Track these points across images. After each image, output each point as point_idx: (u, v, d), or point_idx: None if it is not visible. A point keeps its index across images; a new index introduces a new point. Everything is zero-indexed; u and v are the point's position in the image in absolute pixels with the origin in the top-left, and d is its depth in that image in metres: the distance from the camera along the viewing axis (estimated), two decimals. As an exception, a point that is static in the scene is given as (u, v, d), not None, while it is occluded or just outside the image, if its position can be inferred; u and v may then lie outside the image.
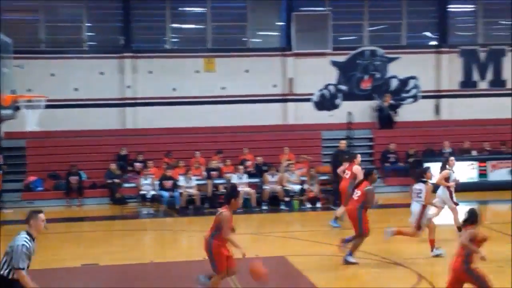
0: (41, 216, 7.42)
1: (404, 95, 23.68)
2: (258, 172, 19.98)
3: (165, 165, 19.71)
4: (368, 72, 23.65)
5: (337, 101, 23.53)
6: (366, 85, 23.65)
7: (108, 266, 11.95)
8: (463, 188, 20.35)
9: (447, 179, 13.94)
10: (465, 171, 21.00)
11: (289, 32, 23.05)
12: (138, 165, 20.44)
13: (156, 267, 11.76)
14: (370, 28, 24.01)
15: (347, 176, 15.09)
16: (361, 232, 11.54)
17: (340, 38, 23.67)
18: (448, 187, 13.87)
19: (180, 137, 22.09)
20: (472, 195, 19.76)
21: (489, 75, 23.77)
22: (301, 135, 22.49)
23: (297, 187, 19.11)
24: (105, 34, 23.31)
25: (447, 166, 14.08)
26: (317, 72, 23.15)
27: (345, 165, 15.57)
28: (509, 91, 23.55)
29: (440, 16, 23.78)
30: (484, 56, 23.71)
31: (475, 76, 23.77)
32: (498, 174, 21.06)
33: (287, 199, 18.92)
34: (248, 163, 20.28)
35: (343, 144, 19.02)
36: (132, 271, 11.62)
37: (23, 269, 7.15)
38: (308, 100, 23.40)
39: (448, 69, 23.60)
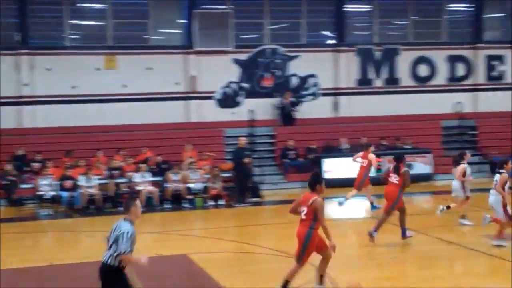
0: (139, 202, 7.77)
1: (304, 92, 24.21)
2: (159, 170, 19.90)
3: (65, 164, 19.29)
4: (269, 70, 24.02)
5: (239, 98, 23.77)
6: (268, 83, 24.02)
7: (5, 270, 11.61)
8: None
9: (464, 173, 14.48)
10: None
11: (191, 29, 23.06)
12: (36, 165, 19.88)
13: (56, 269, 11.55)
14: (271, 27, 24.39)
15: (364, 164, 16.75)
16: (392, 209, 12.78)
17: (242, 36, 23.91)
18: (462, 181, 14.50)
19: (80, 135, 21.66)
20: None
21: (384, 74, 24.64)
22: (203, 133, 22.56)
23: (200, 185, 19.19)
24: (-1, 30, 22.53)
25: (462, 161, 14.58)
26: (219, 70, 23.29)
27: (360, 154, 17.22)
28: (404, 89, 24.53)
29: (337, 15, 24.45)
30: (379, 55, 24.56)
31: (371, 74, 24.58)
32: (393, 168, 21.86)
33: (190, 197, 18.96)
34: (149, 161, 20.16)
35: (242, 141, 19.29)
36: (31, 274, 11.36)
37: (131, 252, 7.46)
38: (210, 98, 23.51)
39: (346, 67, 24.30)
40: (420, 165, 21.93)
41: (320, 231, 9.14)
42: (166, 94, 22.97)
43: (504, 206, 12.25)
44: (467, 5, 25.51)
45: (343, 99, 24.33)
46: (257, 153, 22.04)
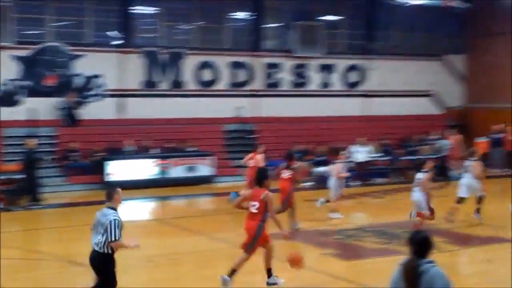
0: (120, 190, 8.12)
1: (89, 93, 23.81)
2: None
3: None
4: (52, 69, 23.26)
5: (20, 97, 22.73)
6: (50, 81, 23.25)
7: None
8: (145, 184, 21.42)
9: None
10: (147, 168, 22.01)
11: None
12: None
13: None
14: (54, 24, 23.64)
15: (254, 165, 17.21)
16: (287, 202, 14.21)
17: (23, 32, 22.90)
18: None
19: None
20: (154, 191, 20.82)
21: (170, 77, 25.02)
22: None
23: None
24: None
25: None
26: (-3, 67, 22.10)
27: (249, 155, 17.92)
28: (188, 92, 25.12)
29: (124, 16, 24.39)
30: (165, 58, 24.91)
31: (157, 76, 24.85)
32: (178, 170, 22.41)
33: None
34: None
35: (30, 143, 18.64)
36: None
37: (119, 239, 7.83)
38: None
39: (132, 68, 24.33)
40: (202, 168, 22.68)
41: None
42: None
43: (428, 202, 13.84)
44: (249, 14, 26.81)
45: (128, 100, 24.31)
46: (37, 154, 21.24)
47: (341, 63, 27.75)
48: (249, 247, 9.77)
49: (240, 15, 27.06)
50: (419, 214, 14.02)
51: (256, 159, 17.86)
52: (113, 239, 7.83)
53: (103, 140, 22.58)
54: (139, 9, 25.04)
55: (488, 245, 13.19)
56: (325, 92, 27.40)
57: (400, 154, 24.69)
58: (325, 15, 27.63)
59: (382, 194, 20.87)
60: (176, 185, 21.41)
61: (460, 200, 15.62)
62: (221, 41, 26.31)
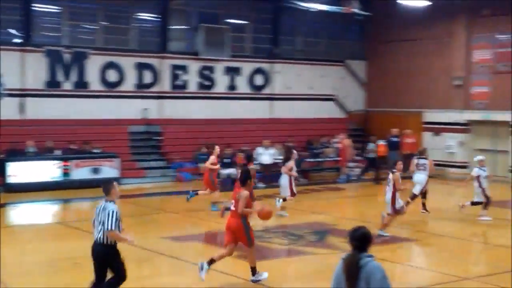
0: (116, 183, 8.68)
1: (-12, 92, 22.92)
2: None
3: None
4: None
5: None
6: None
7: None
8: (48, 187, 20.88)
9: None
10: (50, 170, 21.45)
11: None
12: None
13: None
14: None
15: (216, 167, 17.81)
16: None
17: None
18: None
19: None
20: (57, 194, 20.32)
21: (73, 77, 24.45)
22: None
23: None
24: None
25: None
26: None
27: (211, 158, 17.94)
28: (93, 93, 24.66)
29: (25, 14, 23.66)
30: (69, 58, 24.33)
31: (60, 76, 24.21)
32: (80, 172, 21.96)
33: None
34: None
35: None
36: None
37: (118, 229, 8.22)
38: None
39: (33, 68, 23.62)
40: (108, 169, 22.33)
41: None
42: None
43: (393, 203, 14.14)
44: (155, 15, 26.64)
45: (30, 101, 23.58)
46: None
47: (247, 66, 28.07)
48: (250, 241, 10.35)
49: (146, 16, 26.84)
50: (389, 214, 14.43)
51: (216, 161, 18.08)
52: (109, 227, 8.14)
53: (4, 141, 21.80)
54: (41, 7, 24.36)
55: (390, 245, 13.67)
56: (231, 94, 27.63)
57: (305, 156, 25.24)
58: (231, 18, 27.87)
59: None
60: (80, 187, 20.98)
61: (414, 197, 16.97)
62: (126, 41, 26.00)
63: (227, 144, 23.57)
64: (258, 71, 28.44)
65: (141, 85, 25.81)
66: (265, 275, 10.43)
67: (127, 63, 25.39)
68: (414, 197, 17.02)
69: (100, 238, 8.28)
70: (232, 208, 10.40)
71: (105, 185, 8.58)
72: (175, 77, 26.47)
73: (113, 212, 8.20)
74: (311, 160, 25.63)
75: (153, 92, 26.00)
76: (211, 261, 10.30)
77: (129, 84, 25.52)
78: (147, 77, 25.96)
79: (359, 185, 24.44)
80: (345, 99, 30.45)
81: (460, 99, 27.03)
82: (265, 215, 10.63)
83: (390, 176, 14.38)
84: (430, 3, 26.03)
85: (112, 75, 25.19)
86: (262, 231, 14.91)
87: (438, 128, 27.27)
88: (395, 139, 26.22)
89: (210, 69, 27.17)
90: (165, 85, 26.19)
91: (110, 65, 25.09)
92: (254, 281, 10.37)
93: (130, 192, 20.54)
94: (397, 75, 29.26)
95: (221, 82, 27.48)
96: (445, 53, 27.48)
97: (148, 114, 25.31)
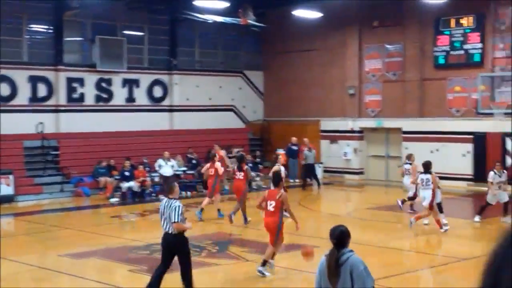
0: (177, 184, 10.52)
1: None
2: None
3: None
4: None
5: None
6: None
7: None
8: None
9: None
10: None
11: None
12: None
13: None
14: None
15: (212, 173, 17.91)
16: (244, 198, 17.12)
17: None
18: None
19: None
20: None
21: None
22: None
23: None
24: None
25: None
26: None
27: (207, 165, 18.39)
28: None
29: None
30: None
31: None
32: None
33: None
34: None
35: None
36: None
37: (180, 221, 9.76)
38: None
39: None
40: (2, 187, 21.56)
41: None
42: None
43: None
44: (47, 27, 26.00)
45: None
46: None
47: (146, 78, 27.89)
48: (276, 241, 11.46)
49: (39, 28, 26.16)
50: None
51: (216, 167, 17.99)
52: (174, 220, 9.64)
53: None
54: None
55: (290, 252, 13.96)
56: (130, 106, 27.36)
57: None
58: (128, 29, 27.62)
59: (188, 208, 21.24)
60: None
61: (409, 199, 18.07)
62: (19, 54, 25.22)
63: (127, 157, 23.33)
64: (157, 82, 28.32)
65: (35, 99, 25.10)
66: (267, 274, 11.46)
67: (20, 76, 24.64)
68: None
69: (169, 230, 9.80)
70: (271, 209, 11.53)
71: (169, 185, 10.55)
72: (71, 90, 25.91)
73: (178, 207, 9.74)
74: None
75: (49, 106, 25.35)
76: (264, 263, 11.45)
77: (23, 97, 24.76)
78: (42, 90, 25.28)
79: (261, 194, 24.71)
80: (244, 109, 30.83)
81: (354, 107, 27.98)
82: (308, 255, 9.74)
83: (430, 176, 15.75)
84: (322, 14, 26.82)
85: (4, 89, 24.36)
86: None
87: (335, 136, 28.10)
88: (294, 148, 26.81)
89: (108, 81, 26.80)
90: (61, 98, 25.57)
91: (2, 79, 24.26)
92: (259, 271, 11.40)
93: (27, 209, 19.96)
94: (294, 85, 29.92)
95: (119, 95, 27.16)
96: (339, 63, 28.39)
97: (43, 129, 24.62)
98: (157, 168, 23.44)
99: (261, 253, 13.77)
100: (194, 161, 25.53)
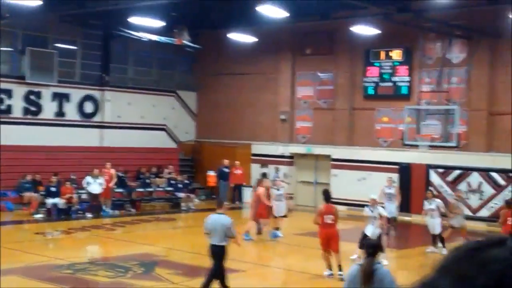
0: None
1: None
2: None
3: None
4: None
5: None
6: None
7: None
8: None
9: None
10: None
11: None
12: None
13: None
14: None
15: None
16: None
17: None
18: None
19: None
20: None
21: None
22: None
23: None
24: None
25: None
26: None
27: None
28: None
29: None
30: None
31: None
32: None
33: None
34: None
35: None
36: None
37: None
38: None
39: None
40: None
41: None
42: None
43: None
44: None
45: None
46: None
47: (76, 93, 27.47)
48: (338, 248, 13.59)
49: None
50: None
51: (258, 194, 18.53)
52: (232, 235, 11.20)
53: None
54: None
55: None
56: (59, 121, 26.86)
57: (135, 186, 25.09)
58: (60, 43, 27.17)
59: (115, 227, 20.99)
60: None
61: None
62: None
63: (54, 172, 22.85)
64: (88, 98, 27.93)
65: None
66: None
67: None
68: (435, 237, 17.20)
69: (216, 242, 11.03)
70: (329, 221, 13.61)
71: (219, 200, 12.34)
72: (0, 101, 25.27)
73: (231, 222, 11.13)
74: (141, 190, 25.51)
75: (-26, 117, 24.60)
76: (340, 267, 13.31)
77: None
78: (-32, 100, 24.54)
79: (190, 215, 24.68)
80: (176, 129, 30.73)
81: (285, 132, 28.31)
82: None
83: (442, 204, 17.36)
84: (257, 39, 27.14)
85: None
86: (87, 263, 14.62)
87: (265, 160, 28.32)
88: (225, 170, 26.89)
89: (37, 94, 26.26)
90: None
91: None
92: (340, 275, 13.00)
93: None
94: (226, 107, 30.05)
95: (49, 108, 26.63)
96: (272, 88, 28.71)
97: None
98: (85, 185, 23.05)
99: (187, 276, 13.74)
100: (123, 180, 25.17)
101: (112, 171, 24.17)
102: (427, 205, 17.47)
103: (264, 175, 21.05)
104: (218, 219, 11.21)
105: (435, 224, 17.06)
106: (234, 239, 11.43)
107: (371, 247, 6.86)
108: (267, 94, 28.78)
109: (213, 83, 30.50)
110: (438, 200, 17.90)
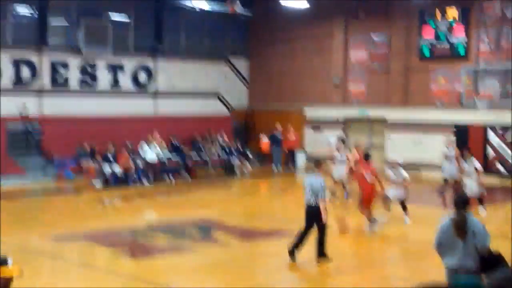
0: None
1: None
2: None
3: None
4: None
5: None
6: None
7: None
8: None
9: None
10: None
11: None
12: None
13: None
14: None
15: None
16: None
17: None
18: None
19: None
20: None
21: None
22: None
23: None
24: None
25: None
26: None
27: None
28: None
29: None
30: None
31: None
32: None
33: None
34: None
35: None
36: None
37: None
38: None
39: None
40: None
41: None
42: None
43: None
44: (33, 9, 25.69)
45: None
46: None
47: (130, 63, 27.76)
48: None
49: (24, 10, 25.87)
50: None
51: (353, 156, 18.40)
52: (324, 197, 11.40)
53: None
54: None
55: (269, 239, 14.05)
56: (114, 91, 27.24)
57: (189, 153, 25.33)
58: (113, 14, 27.41)
59: (171, 193, 21.28)
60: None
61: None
62: (3, 36, 24.94)
63: (111, 141, 23.23)
64: (142, 68, 28.21)
65: (19, 82, 24.91)
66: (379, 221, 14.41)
67: (4, 58, 24.41)
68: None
69: (312, 201, 11.32)
70: (369, 179, 14.18)
71: (317, 161, 11.92)
72: (55, 73, 25.75)
73: (324, 185, 11.44)
74: (196, 157, 25.73)
75: (32, 89, 25.17)
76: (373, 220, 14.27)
77: (6, 80, 24.56)
78: (26, 73, 25.09)
79: (245, 181, 24.82)
80: (229, 96, 30.80)
81: (339, 96, 28.06)
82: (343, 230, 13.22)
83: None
84: (309, 5, 26.81)
85: (-13, 71, 24.11)
86: (146, 228, 14.89)
87: (319, 125, 28.16)
88: (278, 136, 26.90)
89: (92, 65, 26.65)
90: (45, 81, 25.42)
91: (-14, 61, 24.02)
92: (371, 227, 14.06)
93: (10, 191, 19.85)
94: (279, 73, 29.93)
95: (104, 79, 27.03)
96: (325, 53, 28.42)
97: (27, 111, 24.43)
98: (141, 152, 23.40)
99: (244, 239, 13.87)
100: (177, 148, 25.44)
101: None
102: (466, 166, 16.63)
103: (342, 141, 20.13)
104: (314, 180, 11.51)
105: (472, 186, 16.19)
106: (323, 202, 11.40)
107: (462, 201, 7.00)
108: (320, 59, 28.52)
109: (265, 49, 30.39)
110: (475, 161, 16.85)
